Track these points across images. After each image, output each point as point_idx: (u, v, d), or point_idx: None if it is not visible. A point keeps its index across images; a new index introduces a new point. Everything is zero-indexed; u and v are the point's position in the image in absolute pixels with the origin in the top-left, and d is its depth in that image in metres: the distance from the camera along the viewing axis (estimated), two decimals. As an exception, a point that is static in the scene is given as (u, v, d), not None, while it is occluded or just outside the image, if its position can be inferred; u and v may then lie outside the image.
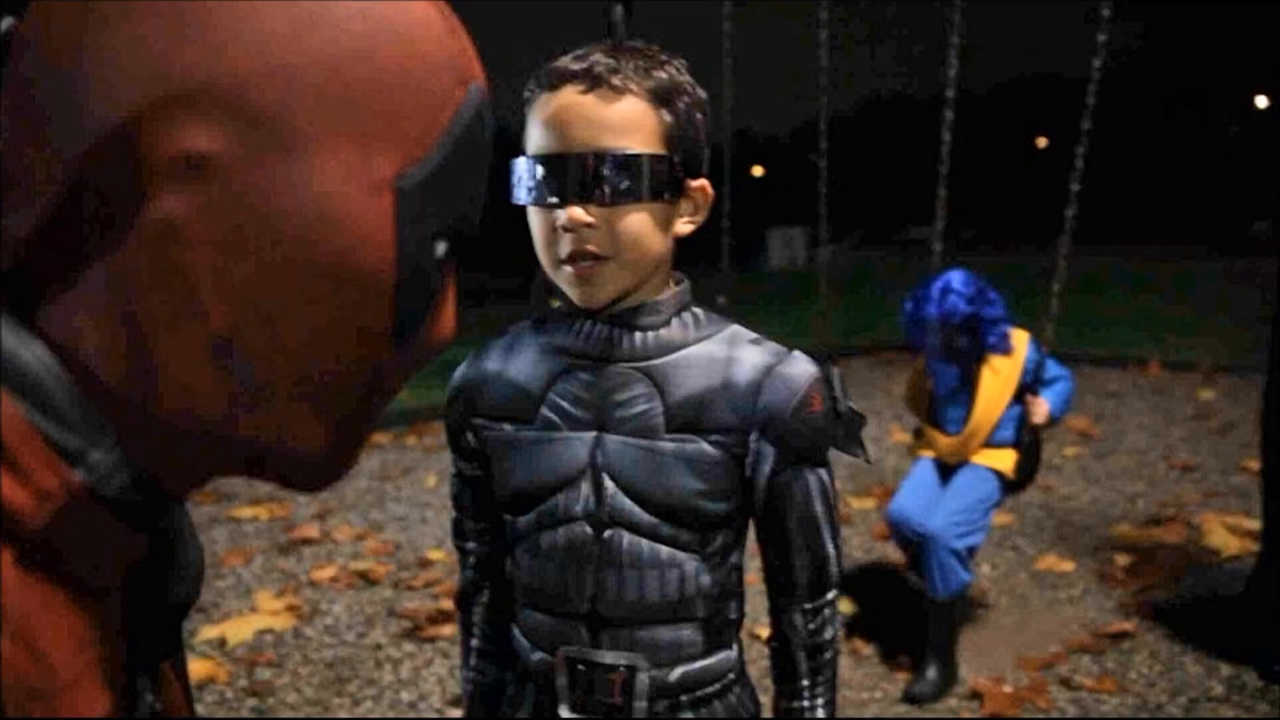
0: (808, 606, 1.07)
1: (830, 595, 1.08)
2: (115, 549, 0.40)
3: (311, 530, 4.45)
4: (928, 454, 3.16)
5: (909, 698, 2.83)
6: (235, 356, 0.39)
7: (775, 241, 42.97)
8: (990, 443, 3.02)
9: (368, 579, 3.87)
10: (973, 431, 2.99)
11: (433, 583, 3.81)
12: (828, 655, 1.08)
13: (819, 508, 1.05)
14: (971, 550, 2.92)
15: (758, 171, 64.58)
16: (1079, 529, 4.23)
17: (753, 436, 1.00)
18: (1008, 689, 2.85)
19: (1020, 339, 3.01)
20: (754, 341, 1.03)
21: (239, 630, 3.37)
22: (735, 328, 1.05)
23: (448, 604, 3.55)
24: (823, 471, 1.05)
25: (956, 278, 2.93)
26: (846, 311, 11.98)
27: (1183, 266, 19.01)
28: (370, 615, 3.53)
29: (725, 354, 1.01)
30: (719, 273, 4.48)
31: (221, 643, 3.29)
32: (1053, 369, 3.03)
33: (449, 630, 3.35)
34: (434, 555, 4.13)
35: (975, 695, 2.84)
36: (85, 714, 0.39)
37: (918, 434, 3.28)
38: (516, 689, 1.12)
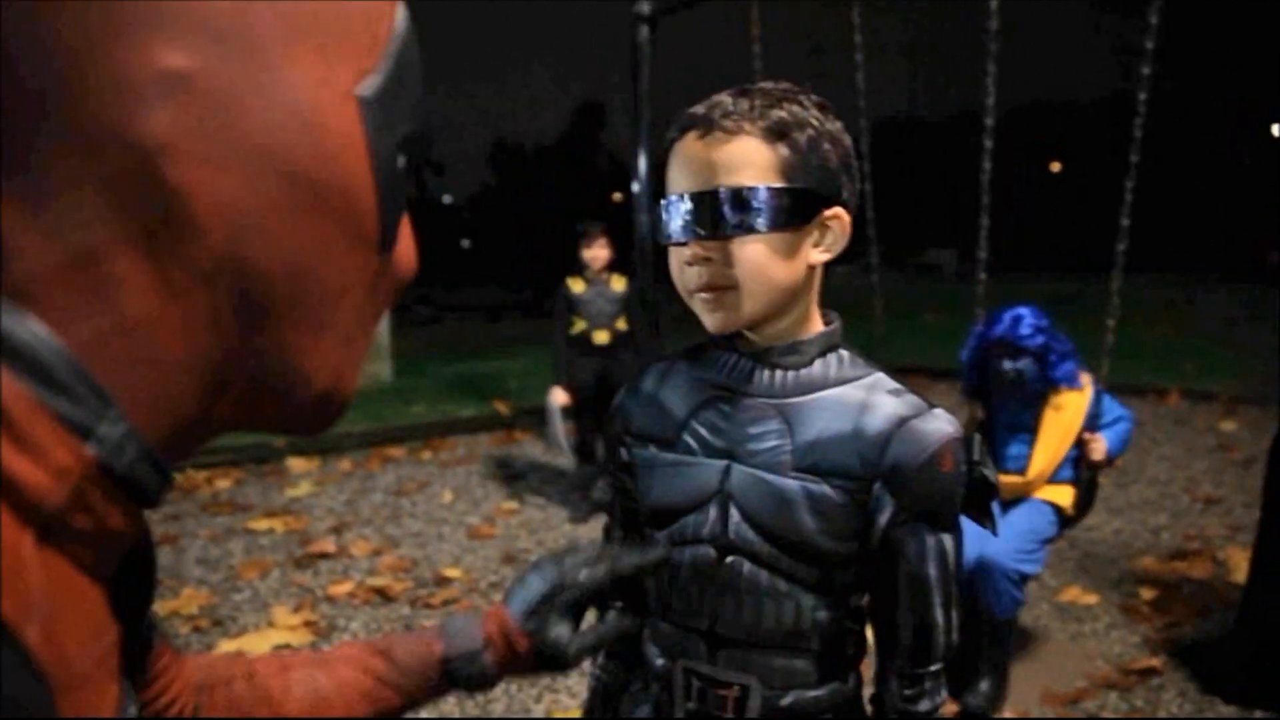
0: (907, 673, 1.04)
1: (934, 667, 1.04)
2: (123, 530, 0.39)
3: (328, 544, 4.43)
4: None
5: (964, 708, 2.88)
6: (236, 275, 0.39)
7: (787, 261, 42.88)
8: (1049, 479, 3.05)
9: (385, 595, 3.85)
10: (1040, 473, 3.00)
11: (450, 601, 3.78)
12: None
13: (932, 570, 1.01)
14: (1025, 577, 2.93)
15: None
16: (1102, 561, 4.19)
17: (877, 486, 0.99)
18: (1035, 724, 2.81)
19: (1088, 380, 3.04)
20: (893, 392, 1.01)
21: (256, 645, 3.36)
22: (879, 375, 1.04)
23: (466, 623, 3.52)
24: (945, 536, 1.01)
25: (1026, 310, 3.01)
26: (858, 335, 11.94)
27: (1198, 295, 18.93)
28: (388, 633, 3.51)
29: (861, 400, 1.00)
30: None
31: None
32: (1115, 409, 3.06)
33: (467, 650, 3.32)
34: (451, 573, 4.10)
35: (1002, 730, 2.79)
36: (96, 708, 0.38)
37: None
38: (641, 687, 1.17)
